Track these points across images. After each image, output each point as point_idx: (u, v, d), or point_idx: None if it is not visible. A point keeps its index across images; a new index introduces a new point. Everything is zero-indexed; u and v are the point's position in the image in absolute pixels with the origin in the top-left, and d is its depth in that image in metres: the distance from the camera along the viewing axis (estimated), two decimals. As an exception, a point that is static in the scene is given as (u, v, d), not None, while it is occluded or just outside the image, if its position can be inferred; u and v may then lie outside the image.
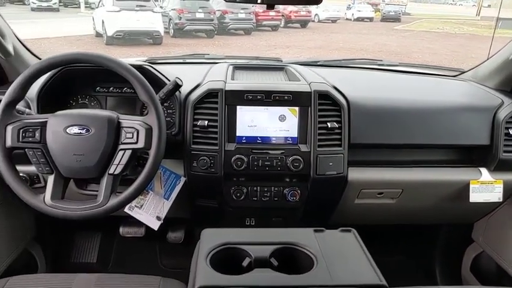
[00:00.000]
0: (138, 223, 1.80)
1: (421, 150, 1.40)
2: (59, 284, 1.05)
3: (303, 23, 15.48)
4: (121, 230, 1.79)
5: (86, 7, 17.89)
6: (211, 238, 0.92)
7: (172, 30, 11.35)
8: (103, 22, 9.81)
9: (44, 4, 16.30)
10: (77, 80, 1.34)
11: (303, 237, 0.93)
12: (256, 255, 0.86)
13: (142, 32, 10.04)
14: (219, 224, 0.97)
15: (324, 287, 0.77)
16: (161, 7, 11.70)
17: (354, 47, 10.72)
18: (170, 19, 11.31)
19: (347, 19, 19.39)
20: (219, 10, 11.69)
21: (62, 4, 18.41)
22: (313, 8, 16.37)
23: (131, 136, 1.04)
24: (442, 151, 1.42)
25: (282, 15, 14.29)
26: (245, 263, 0.86)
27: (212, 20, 11.36)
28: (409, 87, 1.59)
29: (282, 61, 1.68)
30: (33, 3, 16.04)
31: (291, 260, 0.89)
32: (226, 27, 11.98)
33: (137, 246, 1.88)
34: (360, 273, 0.82)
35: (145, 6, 10.10)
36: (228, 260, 0.87)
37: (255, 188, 1.29)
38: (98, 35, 10.55)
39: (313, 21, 16.70)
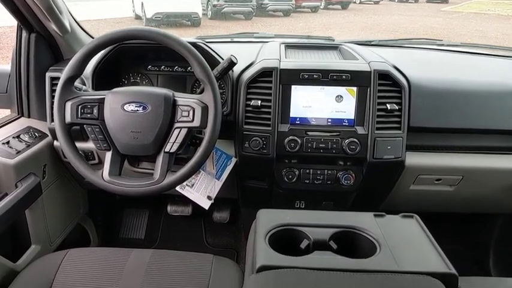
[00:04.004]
0: (185, 202, 1.84)
1: (484, 136, 1.31)
2: (116, 257, 1.07)
3: (344, 5, 14.98)
4: (169, 208, 1.82)
5: (125, -10, 18.18)
6: (268, 219, 0.90)
7: (210, 12, 11.32)
8: (142, 4, 9.92)
9: (86, -13, 16.73)
10: (128, 58, 1.34)
11: (363, 221, 0.89)
12: (315, 237, 0.84)
13: (181, 14, 10.08)
14: (267, 206, 0.96)
15: (390, 273, 0.73)
16: (199, -12, 11.69)
17: (397, 29, 10.27)
18: (208, 1, 11.27)
19: (390, 0, 18.60)
20: (257, -9, 11.54)
21: (102, -13, 18.79)
22: (354, -11, 15.83)
23: (187, 114, 1.03)
24: (507, 137, 1.32)
25: (323, -4, 13.91)
26: (303, 245, 0.84)
27: (251, 1, 11.23)
28: (472, 68, 1.49)
29: (334, 40, 1.62)
30: (75, -14, 16.51)
31: (351, 244, 0.86)
32: (264, 8, 11.82)
33: (183, 225, 1.92)
34: (427, 261, 0.78)
35: (184, -13, 10.12)
36: (285, 241, 0.85)
37: (307, 171, 1.25)
38: (137, 17, 10.70)
39: (355, 2, 16.15)
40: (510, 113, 1.26)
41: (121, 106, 1.04)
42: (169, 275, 1.02)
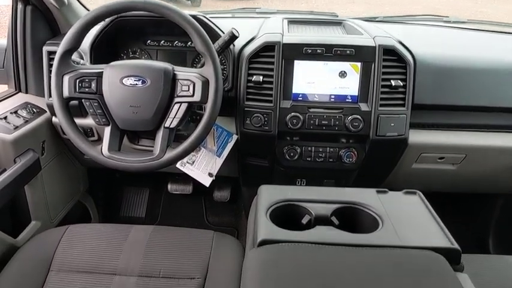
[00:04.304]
0: (185, 181, 1.83)
1: (489, 114, 1.29)
2: (117, 233, 1.07)
3: (346, -15, 14.74)
4: (169, 187, 1.82)
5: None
6: (269, 194, 0.89)
7: (210, -8, 11.14)
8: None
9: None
10: (127, 33, 1.31)
11: (365, 197, 0.88)
12: (316, 213, 0.83)
13: (181, -7, 9.93)
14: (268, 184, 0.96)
15: (392, 248, 0.73)
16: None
17: (400, 10, 10.12)
18: (209, -20, 11.08)
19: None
20: (259, -30, 11.31)
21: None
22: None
23: (187, 89, 1.01)
24: None
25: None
26: (305, 220, 0.83)
27: (252, -20, 11.02)
28: (479, 45, 1.46)
29: (337, 16, 1.58)
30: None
31: (353, 220, 0.85)
32: (266, -12, 11.61)
33: (184, 203, 1.91)
34: (430, 236, 0.77)
35: (184, -34, 9.91)
36: (287, 217, 0.84)
37: (309, 148, 1.24)
38: (138, -4, 10.53)
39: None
40: None
41: (120, 80, 1.02)
42: (170, 249, 1.02)
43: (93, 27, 1.05)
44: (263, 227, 0.78)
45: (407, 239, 0.75)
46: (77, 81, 1.03)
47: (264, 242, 0.74)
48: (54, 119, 1.33)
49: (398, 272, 0.67)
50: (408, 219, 0.82)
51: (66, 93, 1.03)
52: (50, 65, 1.26)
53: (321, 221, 0.82)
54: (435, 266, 0.69)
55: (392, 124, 1.17)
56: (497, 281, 0.97)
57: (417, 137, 1.24)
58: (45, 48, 1.27)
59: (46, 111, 1.32)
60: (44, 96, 1.31)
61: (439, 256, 0.71)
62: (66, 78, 1.03)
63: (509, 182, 1.42)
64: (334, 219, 0.83)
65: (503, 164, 1.33)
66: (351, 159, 1.23)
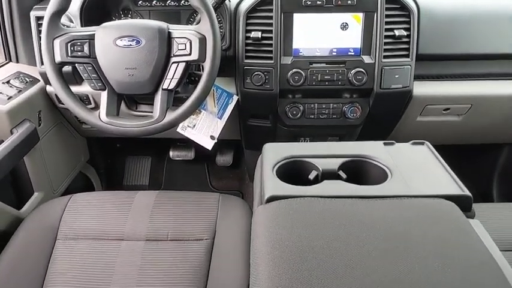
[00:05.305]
0: (187, 146, 1.81)
1: (495, 62, 1.25)
2: (122, 199, 1.06)
3: None
4: (171, 153, 1.81)
5: None
6: (274, 152, 0.87)
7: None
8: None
9: None
10: None
11: (372, 149, 0.87)
12: (323, 167, 0.81)
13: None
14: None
15: (403, 197, 0.71)
16: None
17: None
18: None
19: None
20: None
21: None
22: None
23: (184, 47, 0.97)
24: None
25: None
26: (312, 175, 0.82)
27: None
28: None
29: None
30: None
31: (361, 173, 0.84)
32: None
33: (187, 169, 1.90)
34: (440, 184, 0.76)
35: None
36: (293, 173, 0.82)
37: (312, 105, 1.21)
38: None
39: None
40: None
41: (113, 41, 0.98)
42: (176, 213, 1.01)
43: None
44: (270, 183, 0.76)
45: (418, 188, 0.74)
46: (69, 45, 0.98)
47: (272, 198, 0.72)
48: (48, 88, 1.29)
49: (411, 220, 0.66)
50: (417, 169, 0.81)
51: (58, 58, 0.99)
52: (39, 31, 1.21)
53: (329, 175, 0.81)
54: (447, 213, 0.68)
55: (397, 76, 1.14)
56: (506, 226, 0.97)
57: (422, 88, 1.21)
58: (33, 13, 1.21)
59: (40, 80, 1.28)
60: (35, 65, 1.26)
61: (450, 203, 0.70)
62: (57, 42, 0.98)
63: None
64: (341, 173, 0.81)
65: (509, 112, 1.31)
66: (354, 115, 1.20)
